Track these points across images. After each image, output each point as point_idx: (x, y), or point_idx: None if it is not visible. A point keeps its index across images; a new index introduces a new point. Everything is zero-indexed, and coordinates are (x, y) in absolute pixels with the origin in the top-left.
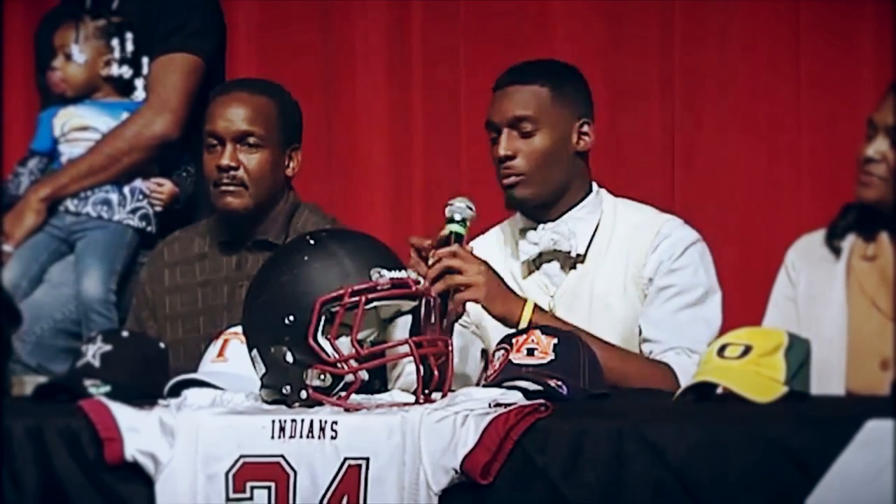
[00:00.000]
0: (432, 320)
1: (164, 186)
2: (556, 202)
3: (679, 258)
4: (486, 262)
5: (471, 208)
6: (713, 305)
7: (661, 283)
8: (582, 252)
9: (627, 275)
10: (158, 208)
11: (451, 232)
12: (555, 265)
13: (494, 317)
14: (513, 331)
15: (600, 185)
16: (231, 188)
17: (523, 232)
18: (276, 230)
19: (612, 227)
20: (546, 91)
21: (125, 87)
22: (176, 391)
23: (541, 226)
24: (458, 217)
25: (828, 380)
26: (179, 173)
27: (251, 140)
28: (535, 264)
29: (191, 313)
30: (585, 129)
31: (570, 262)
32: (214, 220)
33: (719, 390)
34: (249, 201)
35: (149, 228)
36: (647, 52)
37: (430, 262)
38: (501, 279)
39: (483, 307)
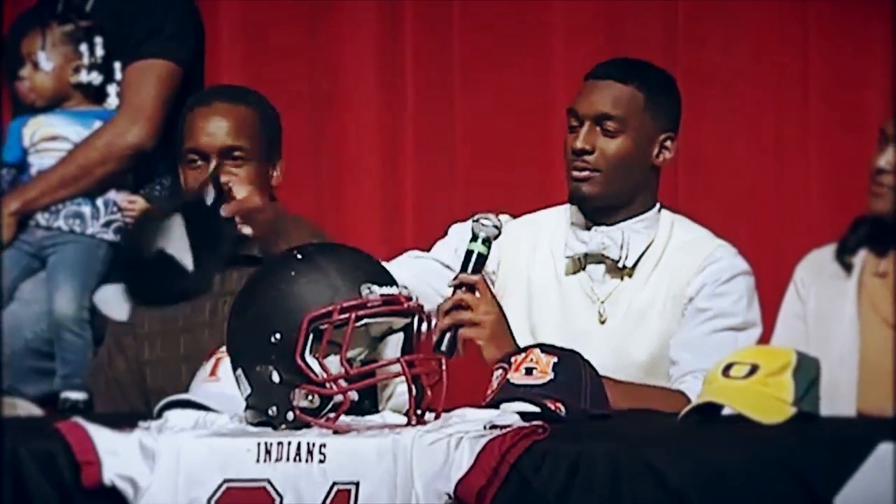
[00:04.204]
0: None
1: (135, 203)
2: (619, 209)
3: (724, 284)
4: (498, 304)
5: (497, 227)
6: (747, 339)
7: (700, 304)
8: (630, 265)
9: (669, 292)
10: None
11: (472, 251)
12: (600, 268)
13: (486, 358)
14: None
15: (664, 205)
16: None
17: (574, 227)
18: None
19: (664, 245)
20: (641, 96)
21: (97, 95)
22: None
23: (594, 227)
24: (482, 235)
25: (838, 400)
26: (153, 186)
27: (236, 154)
28: (580, 263)
29: (171, 331)
30: (668, 143)
31: (618, 271)
32: None
33: (725, 411)
34: None
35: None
36: (650, 52)
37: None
38: (508, 324)
39: (481, 347)
